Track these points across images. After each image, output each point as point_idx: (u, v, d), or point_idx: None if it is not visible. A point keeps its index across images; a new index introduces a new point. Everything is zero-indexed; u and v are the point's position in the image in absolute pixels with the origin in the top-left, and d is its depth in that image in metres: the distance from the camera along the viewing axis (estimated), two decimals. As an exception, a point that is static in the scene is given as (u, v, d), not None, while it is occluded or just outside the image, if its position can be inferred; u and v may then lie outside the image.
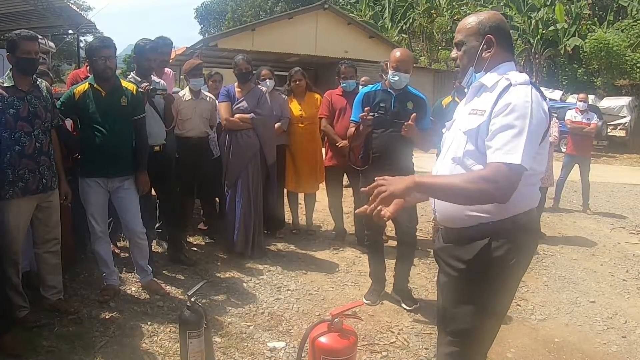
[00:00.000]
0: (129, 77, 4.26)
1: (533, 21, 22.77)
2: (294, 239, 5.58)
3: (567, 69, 23.10)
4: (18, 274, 3.31)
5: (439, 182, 1.95)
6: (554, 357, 3.48)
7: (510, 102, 1.85)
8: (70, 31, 14.85)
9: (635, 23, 21.47)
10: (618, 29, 21.66)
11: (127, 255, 4.45)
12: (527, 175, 1.83)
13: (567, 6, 22.54)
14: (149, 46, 4.26)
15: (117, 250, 4.67)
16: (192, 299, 2.71)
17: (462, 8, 25.81)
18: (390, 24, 28.76)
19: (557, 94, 19.16)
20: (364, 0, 29.85)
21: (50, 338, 3.22)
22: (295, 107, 5.49)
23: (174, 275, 4.43)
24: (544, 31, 22.42)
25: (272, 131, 5.06)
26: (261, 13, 39.34)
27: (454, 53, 2.16)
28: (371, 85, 4.21)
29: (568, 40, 21.86)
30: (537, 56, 23.00)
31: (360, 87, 5.63)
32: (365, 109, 3.85)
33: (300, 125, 5.47)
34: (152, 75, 4.29)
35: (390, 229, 5.28)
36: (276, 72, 5.57)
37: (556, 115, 7.79)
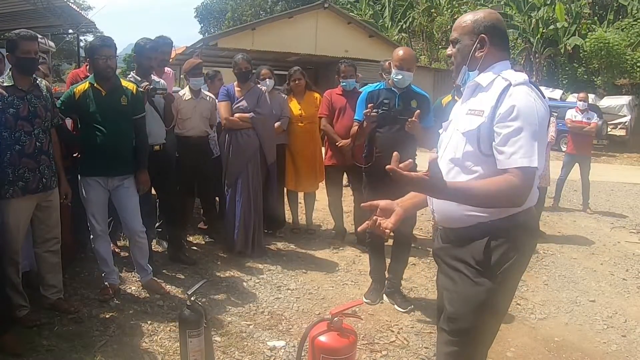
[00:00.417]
0: (129, 76, 4.27)
1: (533, 20, 22.73)
2: (294, 238, 5.58)
3: (567, 68, 23.06)
4: (18, 273, 3.32)
5: (459, 186, 1.87)
6: (554, 356, 3.48)
7: (515, 105, 1.84)
8: (70, 30, 14.83)
9: (635, 22, 21.43)
10: (618, 28, 21.62)
11: (127, 254, 4.45)
12: None
13: (567, 5, 22.49)
14: (149, 45, 4.27)
15: (117, 250, 4.67)
16: (192, 298, 2.70)
17: (463, 7, 25.75)
18: (390, 23, 28.73)
19: (557, 93, 19.14)
20: (364, -1, 29.84)
21: (50, 337, 3.23)
22: (294, 107, 5.49)
23: (174, 274, 4.43)
24: (544, 30, 22.39)
25: (271, 130, 5.06)
26: (261, 12, 39.33)
27: (449, 50, 2.16)
28: (374, 84, 4.20)
29: (568, 39, 21.83)
30: (537, 55, 22.97)
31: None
32: (369, 105, 3.84)
33: (299, 124, 5.47)
34: (152, 75, 4.30)
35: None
36: (276, 72, 5.57)
37: (556, 114, 7.79)
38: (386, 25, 28.51)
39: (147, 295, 3.96)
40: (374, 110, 3.81)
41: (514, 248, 1.95)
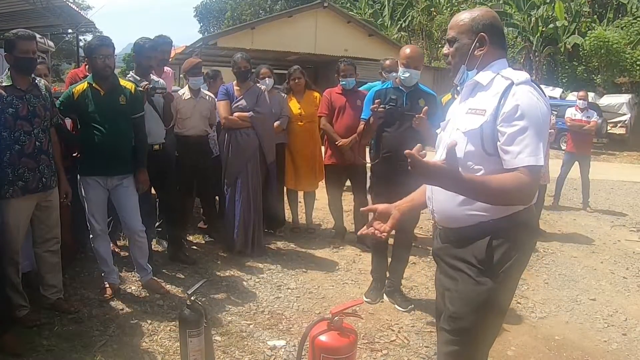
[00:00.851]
0: (129, 76, 4.26)
1: (533, 19, 22.72)
2: (294, 238, 5.57)
3: (567, 67, 23.06)
4: (18, 273, 3.31)
5: (476, 179, 1.83)
6: (555, 355, 3.48)
7: (519, 105, 1.84)
8: (70, 30, 14.82)
9: (635, 21, 21.42)
10: (618, 27, 21.61)
11: (127, 254, 4.45)
12: None
13: (567, 4, 22.48)
14: (148, 45, 4.26)
15: (117, 249, 4.67)
16: (192, 298, 2.70)
17: (462, 5, 25.73)
18: (389, 22, 28.75)
19: (557, 92, 19.15)
20: (363, -2, 29.85)
21: (50, 337, 3.22)
22: (294, 106, 5.49)
23: (173, 274, 4.43)
24: (543, 29, 22.37)
25: (271, 129, 5.05)
26: (261, 12, 39.33)
27: (446, 49, 2.14)
28: (382, 83, 4.19)
29: (568, 38, 21.82)
30: (537, 54, 22.95)
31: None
32: (376, 101, 3.82)
33: (299, 123, 5.47)
34: (151, 74, 4.29)
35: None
36: (276, 71, 5.57)
37: (556, 113, 7.80)
38: (385, 24, 28.54)
39: (147, 294, 3.96)
40: (381, 106, 3.79)
41: (515, 247, 1.95)
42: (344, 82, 5.28)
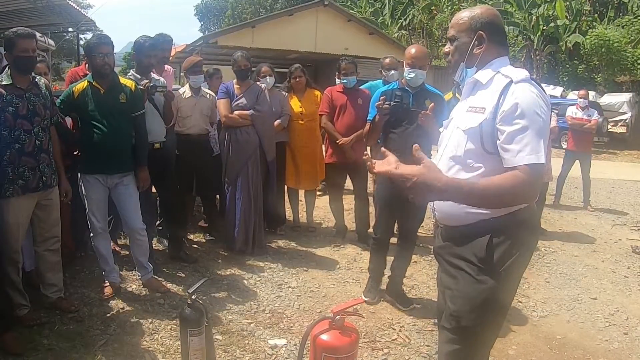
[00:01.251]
0: (129, 74, 4.25)
1: (533, 18, 22.69)
2: (295, 236, 5.57)
3: (567, 66, 23.05)
4: (18, 272, 3.31)
5: (472, 187, 1.81)
6: (556, 354, 3.47)
7: (519, 103, 1.83)
8: (70, 29, 14.82)
9: (635, 19, 21.39)
10: (619, 26, 21.58)
11: (127, 253, 4.45)
12: None
13: (568, 2, 22.46)
14: (148, 43, 4.25)
15: (117, 248, 4.67)
16: (193, 297, 2.70)
17: (462, 4, 25.71)
18: (390, 20, 28.71)
19: (557, 91, 19.14)
20: (363, -4, 29.81)
21: (51, 336, 3.22)
22: (295, 104, 5.48)
23: (174, 272, 4.42)
24: (544, 28, 22.35)
25: (271, 128, 5.05)
26: (261, 10, 39.30)
27: (447, 47, 2.15)
28: (382, 82, 4.16)
29: (569, 36, 21.80)
30: (537, 53, 22.92)
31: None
32: (381, 97, 3.78)
33: (300, 122, 5.46)
34: (152, 73, 4.28)
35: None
36: (276, 69, 5.55)
37: (557, 111, 7.78)
38: (386, 22, 28.51)
39: (148, 293, 3.96)
40: (387, 103, 3.76)
41: (515, 245, 1.94)
42: (345, 81, 5.26)
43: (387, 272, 4.14)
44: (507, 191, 1.78)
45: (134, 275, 4.20)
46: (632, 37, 20.66)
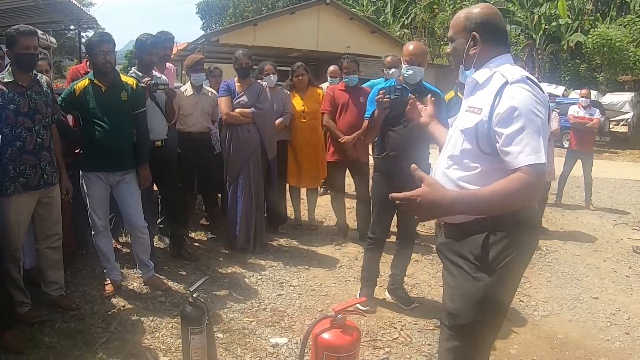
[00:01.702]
0: (131, 72, 4.25)
1: (535, 17, 22.68)
2: (296, 235, 5.57)
3: (569, 65, 23.04)
4: (19, 270, 3.31)
5: (479, 196, 1.83)
6: (557, 354, 3.46)
7: (514, 105, 1.82)
8: (72, 27, 14.79)
9: (638, 18, 21.36)
10: (621, 25, 21.56)
11: (128, 251, 4.45)
12: None
13: (570, 1, 22.44)
14: (150, 41, 4.25)
15: (118, 246, 4.66)
16: (194, 295, 2.69)
17: (464, 3, 25.69)
18: (392, 19, 28.73)
19: (559, 90, 19.11)
20: (365, -5, 29.79)
21: (52, 334, 3.22)
22: (297, 102, 5.47)
23: (175, 270, 4.42)
24: (546, 27, 22.34)
25: (272, 126, 5.04)
26: (263, 8, 39.29)
27: (448, 48, 2.16)
28: (384, 80, 4.12)
29: (571, 35, 21.80)
30: (539, 52, 22.92)
31: (329, 77, 5.55)
32: (381, 91, 3.68)
33: (302, 120, 5.45)
34: (153, 70, 4.28)
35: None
36: (278, 67, 5.54)
37: (558, 110, 7.77)
38: (388, 21, 28.50)
39: (149, 291, 3.95)
40: (386, 96, 3.71)
41: (513, 244, 1.94)
42: (346, 79, 5.26)
43: (388, 272, 4.13)
44: (512, 194, 1.77)
45: (135, 273, 4.20)
46: (634, 37, 20.63)
